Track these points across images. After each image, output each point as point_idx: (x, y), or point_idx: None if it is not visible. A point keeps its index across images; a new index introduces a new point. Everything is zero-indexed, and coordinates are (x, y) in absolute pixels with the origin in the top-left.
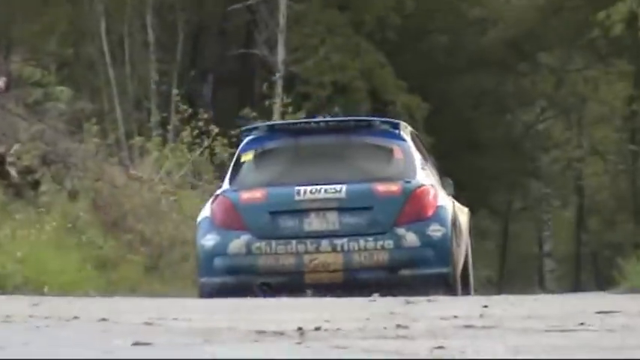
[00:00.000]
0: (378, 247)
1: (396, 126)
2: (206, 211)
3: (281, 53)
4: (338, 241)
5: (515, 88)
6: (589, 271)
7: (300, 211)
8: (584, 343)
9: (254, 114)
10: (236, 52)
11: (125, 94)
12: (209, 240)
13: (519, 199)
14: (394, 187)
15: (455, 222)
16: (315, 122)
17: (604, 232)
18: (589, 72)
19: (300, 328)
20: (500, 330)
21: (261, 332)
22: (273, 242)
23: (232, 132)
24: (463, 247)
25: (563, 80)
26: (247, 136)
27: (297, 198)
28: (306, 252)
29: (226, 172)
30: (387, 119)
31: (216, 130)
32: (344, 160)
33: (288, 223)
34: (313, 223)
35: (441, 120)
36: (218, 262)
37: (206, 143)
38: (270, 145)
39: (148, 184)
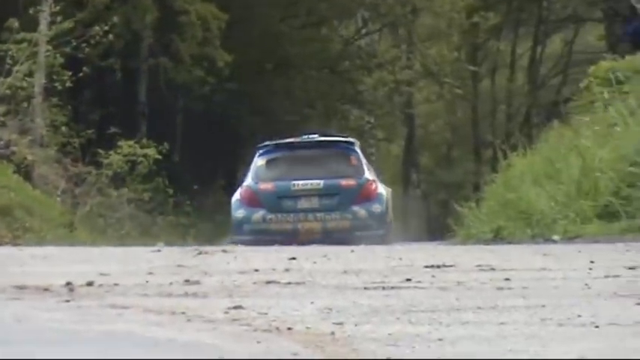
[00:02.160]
0: (343, 218)
1: (352, 143)
2: (237, 196)
3: None
4: (318, 215)
5: None
6: (419, 218)
7: (295, 196)
8: (410, 303)
9: (17, 24)
10: None
11: None
12: (240, 213)
13: (337, 129)
14: (352, 182)
15: (387, 202)
16: (303, 141)
17: (438, 170)
18: None
19: (69, 283)
20: (310, 287)
21: (21, 288)
22: (279, 215)
23: None
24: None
25: None
26: (261, 149)
27: (293, 188)
28: (299, 221)
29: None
30: (347, 139)
31: None
32: (321, 164)
33: (288, 203)
34: (303, 203)
35: (242, 34)
36: (246, 227)
37: None
38: (276, 154)
39: None
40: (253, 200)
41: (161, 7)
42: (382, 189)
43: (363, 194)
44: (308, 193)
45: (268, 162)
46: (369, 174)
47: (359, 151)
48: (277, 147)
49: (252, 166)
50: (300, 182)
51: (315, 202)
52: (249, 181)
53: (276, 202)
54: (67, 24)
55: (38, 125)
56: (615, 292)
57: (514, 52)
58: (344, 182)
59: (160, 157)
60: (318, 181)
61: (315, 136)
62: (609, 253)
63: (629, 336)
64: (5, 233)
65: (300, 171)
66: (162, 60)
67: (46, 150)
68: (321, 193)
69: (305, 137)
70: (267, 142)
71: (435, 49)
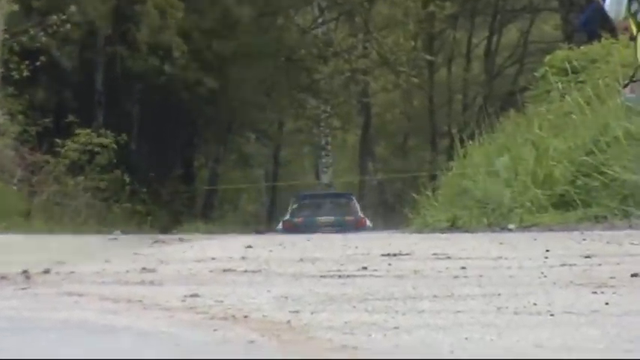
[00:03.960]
0: None
1: (351, 194)
2: (280, 225)
3: None
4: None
5: None
6: (376, 207)
7: (317, 226)
8: (366, 292)
9: None
10: None
11: None
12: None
13: (292, 118)
14: (351, 218)
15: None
16: (321, 193)
17: (394, 159)
18: None
19: (25, 271)
20: (266, 275)
21: None
22: None
23: None
24: None
25: None
26: (295, 198)
27: (317, 222)
28: None
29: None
30: (348, 193)
31: None
32: (332, 207)
33: (313, 230)
34: (322, 230)
35: (198, 23)
36: None
37: None
38: (305, 201)
39: None
40: (292, 228)
41: None
42: (369, 222)
43: (358, 225)
44: (325, 224)
45: (300, 205)
46: (361, 213)
47: (355, 199)
48: (306, 196)
49: (290, 208)
50: (321, 218)
51: (329, 230)
52: (288, 216)
53: (305, 230)
54: (10, 6)
55: None
56: (571, 281)
57: (470, 41)
58: (347, 218)
59: (116, 147)
60: (331, 217)
61: (323, 191)
62: (565, 242)
63: (584, 324)
64: None
65: (320, 211)
66: (118, 49)
67: (3, 138)
68: (333, 224)
69: (322, 192)
70: (298, 194)
71: (391, 38)
